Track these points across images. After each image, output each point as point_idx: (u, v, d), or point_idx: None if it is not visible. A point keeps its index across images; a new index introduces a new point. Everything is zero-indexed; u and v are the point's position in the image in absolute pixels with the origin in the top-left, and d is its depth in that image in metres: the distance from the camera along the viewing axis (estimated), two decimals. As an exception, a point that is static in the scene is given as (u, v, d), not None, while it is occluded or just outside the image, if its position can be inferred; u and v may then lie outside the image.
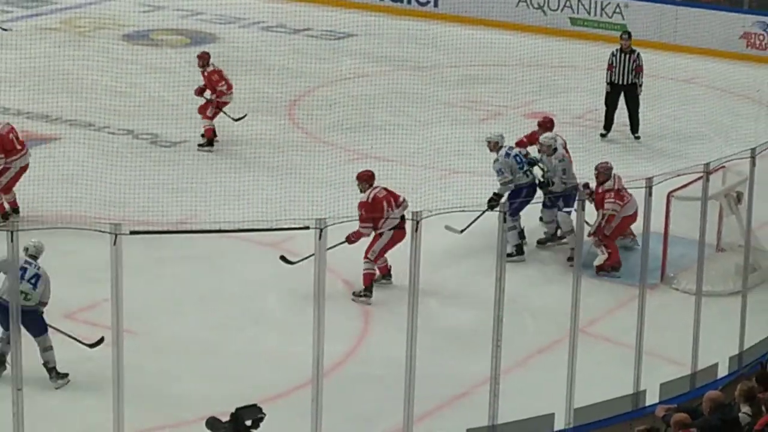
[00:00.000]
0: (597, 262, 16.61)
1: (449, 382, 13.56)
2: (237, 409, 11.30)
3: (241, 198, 17.86)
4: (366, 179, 16.33)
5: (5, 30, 26.61)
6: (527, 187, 17.17)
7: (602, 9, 27.68)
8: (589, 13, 27.66)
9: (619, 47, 22.17)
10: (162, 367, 13.69)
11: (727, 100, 22.35)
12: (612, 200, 16.41)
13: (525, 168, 17.16)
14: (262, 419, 11.26)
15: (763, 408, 11.48)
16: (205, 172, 19.48)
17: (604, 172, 16.84)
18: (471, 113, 22.62)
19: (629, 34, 22.54)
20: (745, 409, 11.67)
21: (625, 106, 21.80)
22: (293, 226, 12.51)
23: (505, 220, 12.76)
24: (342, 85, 24.11)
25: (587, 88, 23.40)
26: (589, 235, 16.24)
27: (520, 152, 17.36)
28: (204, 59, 21.05)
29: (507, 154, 17.11)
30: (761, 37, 26.19)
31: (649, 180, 13.29)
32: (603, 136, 22.06)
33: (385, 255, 16.26)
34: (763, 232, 15.70)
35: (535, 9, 27.91)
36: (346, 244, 15.41)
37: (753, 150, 13.84)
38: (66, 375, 13.17)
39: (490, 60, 25.05)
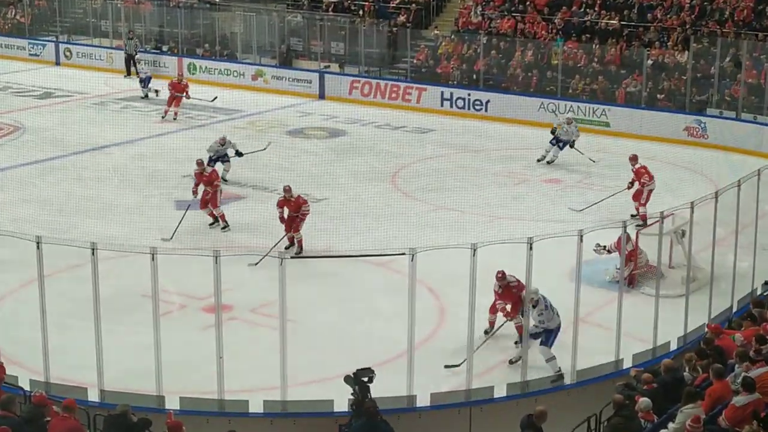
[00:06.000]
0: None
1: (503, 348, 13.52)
2: (357, 370, 11.42)
3: (362, 234, 17.77)
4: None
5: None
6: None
7: (593, 112, 27.46)
8: (585, 115, 27.44)
9: None
10: (311, 343, 13.67)
11: (676, 170, 22.02)
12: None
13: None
14: (373, 377, 11.36)
15: (700, 370, 11.42)
16: (333, 219, 19.14)
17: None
18: (508, 180, 22.48)
19: None
20: (688, 371, 11.66)
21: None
22: (395, 253, 12.54)
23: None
24: (426, 162, 24.09)
25: (581, 161, 23.26)
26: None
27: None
28: (635, 160, 19.12)
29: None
30: (697, 130, 25.97)
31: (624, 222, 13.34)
32: None
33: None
34: (700, 256, 15.44)
35: (549, 112, 27.61)
36: None
37: (692, 203, 13.74)
38: None
39: (520, 145, 24.97)
